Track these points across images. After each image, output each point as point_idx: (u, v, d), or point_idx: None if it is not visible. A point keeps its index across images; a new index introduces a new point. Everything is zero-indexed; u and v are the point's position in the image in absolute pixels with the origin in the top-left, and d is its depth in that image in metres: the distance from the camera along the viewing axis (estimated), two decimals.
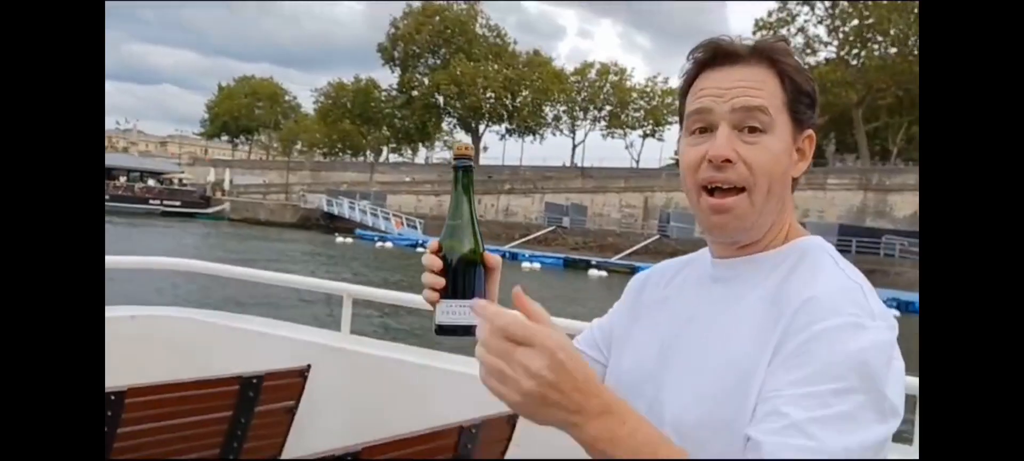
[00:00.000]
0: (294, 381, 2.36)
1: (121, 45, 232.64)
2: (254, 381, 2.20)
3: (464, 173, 0.97)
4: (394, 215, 45.69)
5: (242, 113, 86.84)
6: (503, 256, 1.08)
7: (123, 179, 56.77)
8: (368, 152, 77.11)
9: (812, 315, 0.84)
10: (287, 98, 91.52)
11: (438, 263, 0.94)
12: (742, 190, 0.92)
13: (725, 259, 1.00)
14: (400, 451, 1.77)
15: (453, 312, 0.93)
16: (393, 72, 66.94)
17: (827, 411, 0.77)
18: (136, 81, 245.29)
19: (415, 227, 43.04)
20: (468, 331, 0.90)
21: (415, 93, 66.42)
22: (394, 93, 69.42)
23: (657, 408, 0.93)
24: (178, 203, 51.72)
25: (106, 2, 0.93)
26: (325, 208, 50.74)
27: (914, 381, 0.86)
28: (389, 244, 36.65)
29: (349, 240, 39.25)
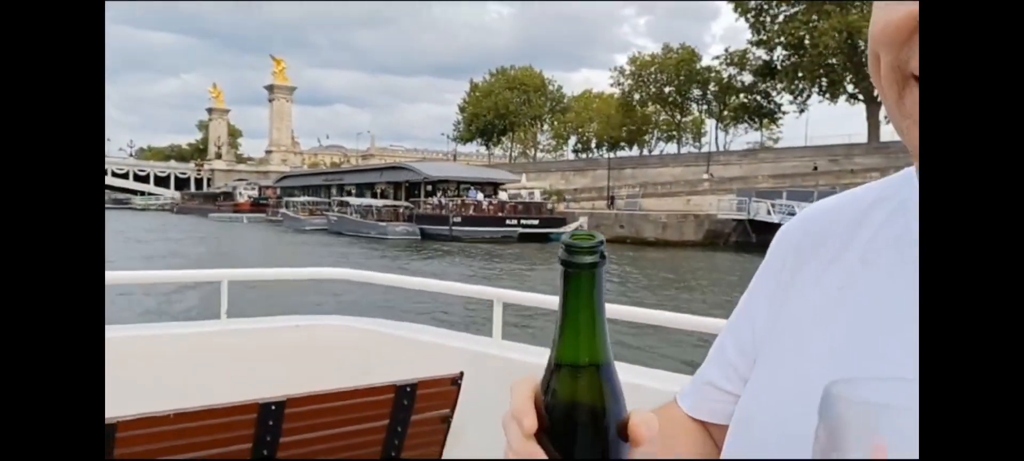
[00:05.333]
0: (447, 389, 2.39)
1: (301, 71, 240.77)
2: (408, 389, 2.27)
3: (588, 274, 0.50)
4: None
5: (507, 109, 73.83)
6: None
7: (465, 195, 43.40)
8: (686, 139, 60.57)
9: None
10: (551, 88, 77.65)
11: (533, 419, 0.51)
12: None
13: None
14: None
15: None
16: (748, 23, 49.30)
17: None
18: (313, 104, 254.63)
19: None
20: None
21: (781, 49, 48.52)
22: (739, 52, 52.00)
23: None
24: (536, 221, 37.53)
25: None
26: (751, 216, 34.03)
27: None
28: None
29: None
